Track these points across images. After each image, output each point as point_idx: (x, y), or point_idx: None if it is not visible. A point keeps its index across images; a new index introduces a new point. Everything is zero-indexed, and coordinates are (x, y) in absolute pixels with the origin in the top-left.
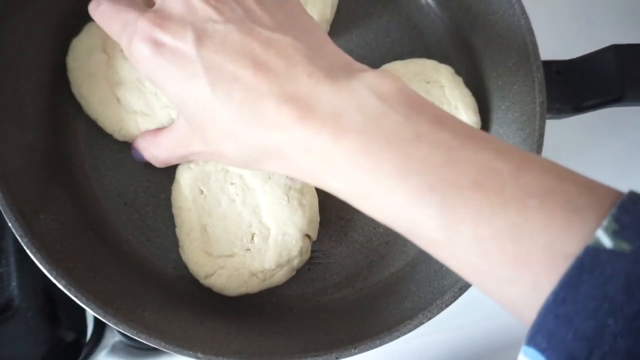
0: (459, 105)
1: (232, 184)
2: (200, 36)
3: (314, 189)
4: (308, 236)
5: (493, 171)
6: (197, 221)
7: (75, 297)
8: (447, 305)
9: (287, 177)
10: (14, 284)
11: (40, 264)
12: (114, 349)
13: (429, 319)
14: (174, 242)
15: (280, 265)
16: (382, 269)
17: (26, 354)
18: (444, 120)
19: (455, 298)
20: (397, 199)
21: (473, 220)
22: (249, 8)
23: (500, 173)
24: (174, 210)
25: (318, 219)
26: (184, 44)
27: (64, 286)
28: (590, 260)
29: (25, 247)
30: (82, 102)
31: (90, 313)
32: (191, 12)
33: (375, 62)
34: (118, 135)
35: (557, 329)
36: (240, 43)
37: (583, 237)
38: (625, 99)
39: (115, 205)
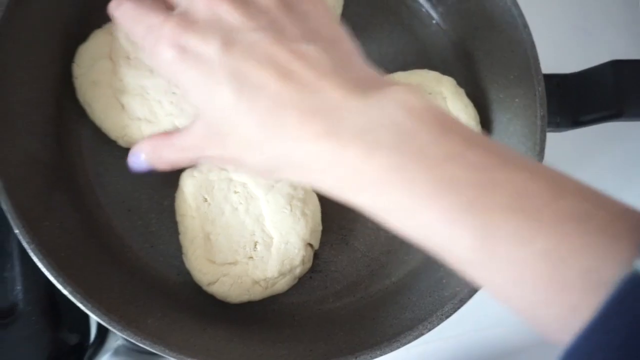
0: (461, 116)
1: (235, 192)
2: (226, 43)
3: (317, 199)
4: (310, 245)
5: (528, 194)
6: (201, 229)
7: (81, 303)
8: (447, 317)
9: (290, 186)
10: (18, 288)
11: (47, 270)
12: (116, 352)
13: (429, 330)
14: (177, 249)
15: (282, 274)
16: (383, 278)
17: (30, 357)
18: (475, 140)
19: (455, 310)
20: (430, 217)
21: (508, 243)
22: (276, 16)
23: (536, 196)
24: (178, 218)
25: (320, 228)
26: (209, 50)
27: (70, 293)
28: (630, 288)
29: (32, 254)
30: (87, 108)
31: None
32: (217, 18)
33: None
34: (122, 142)
35: (594, 355)
36: (267, 52)
37: (621, 264)
38: (624, 115)
39: (118, 211)
